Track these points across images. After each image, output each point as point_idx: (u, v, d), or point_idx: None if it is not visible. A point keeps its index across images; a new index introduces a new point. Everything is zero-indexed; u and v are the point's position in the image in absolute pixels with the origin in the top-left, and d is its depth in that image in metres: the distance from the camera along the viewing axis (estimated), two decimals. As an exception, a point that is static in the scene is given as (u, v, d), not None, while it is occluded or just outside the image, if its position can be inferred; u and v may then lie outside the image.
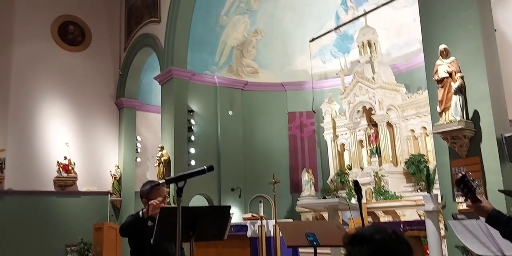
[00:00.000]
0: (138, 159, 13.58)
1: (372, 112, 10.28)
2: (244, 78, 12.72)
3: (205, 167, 2.74)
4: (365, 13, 9.59)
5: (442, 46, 5.78)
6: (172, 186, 8.40)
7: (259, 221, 8.04)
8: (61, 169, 12.11)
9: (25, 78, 12.22)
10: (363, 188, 9.65)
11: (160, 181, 2.98)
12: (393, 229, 1.23)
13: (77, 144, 12.63)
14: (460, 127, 5.45)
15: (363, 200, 9.16)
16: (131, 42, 13.51)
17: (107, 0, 14.14)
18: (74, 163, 12.30)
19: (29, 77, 12.28)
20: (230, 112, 12.27)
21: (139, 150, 13.69)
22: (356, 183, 3.20)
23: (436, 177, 6.79)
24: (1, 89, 11.79)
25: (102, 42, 13.83)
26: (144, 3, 13.07)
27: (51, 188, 12.07)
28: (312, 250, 3.68)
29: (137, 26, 13.28)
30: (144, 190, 3.34)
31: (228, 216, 3.13)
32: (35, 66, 12.41)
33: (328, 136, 11.58)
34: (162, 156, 11.04)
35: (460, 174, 3.53)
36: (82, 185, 12.57)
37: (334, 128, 11.43)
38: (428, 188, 6.84)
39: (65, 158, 12.17)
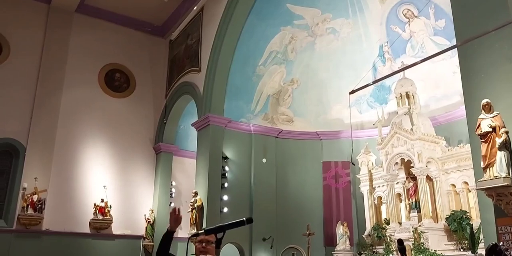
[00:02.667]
0: (172, 204, 13.62)
1: (411, 164, 10.02)
2: (279, 126, 12.83)
3: (245, 219, 2.72)
4: (404, 68, 9.64)
5: (484, 101, 5.70)
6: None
7: (291, 275, 7.75)
8: (97, 212, 12.29)
9: (71, 121, 12.80)
10: (402, 244, 9.21)
11: (200, 231, 2.97)
12: None
13: (114, 187, 12.87)
14: (506, 184, 5.23)
15: (402, 257, 8.71)
16: (172, 90, 14.04)
17: (152, 50, 14.93)
18: (111, 206, 12.47)
19: (75, 121, 12.86)
20: (264, 160, 12.26)
21: (173, 194, 13.78)
22: (400, 242, 3.06)
23: (481, 236, 6.45)
24: (49, 131, 12.35)
25: (145, 89, 14.46)
26: (186, 53, 13.71)
27: (87, 230, 12.21)
28: None
29: (178, 74, 13.86)
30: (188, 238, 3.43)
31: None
32: (81, 110, 13.03)
33: (364, 188, 11.29)
34: (196, 202, 11.03)
35: (491, 243, 3.32)
36: (116, 228, 12.65)
37: (371, 180, 11.16)
38: (473, 247, 6.48)
39: (102, 200, 12.38)
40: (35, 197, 11.39)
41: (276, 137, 12.68)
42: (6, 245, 11.00)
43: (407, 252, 9.05)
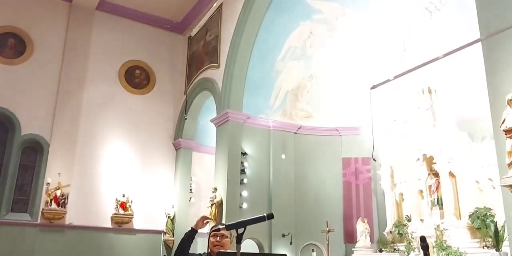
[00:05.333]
0: (192, 199, 13.73)
1: (433, 160, 9.85)
2: (298, 121, 12.77)
3: (265, 215, 2.71)
4: (426, 63, 9.47)
5: (510, 95, 5.54)
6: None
7: (311, 271, 7.73)
8: (118, 206, 12.48)
9: (93, 118, 13.01)
10: (423, 242, 9.09)
11: (220, 226, 2.98)
12: None
13: (135, 182, 13.05)
14: (532, 181, 5.08)
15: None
16: (191, 86, 14.11)
17: (171, 47, 15.03)
18: (131, 201, 12.65)
19: (97, 117, 13.07)
20: (283, 156, 12.24)
21: (193, 190, 13.88)
22: (423, 239, 3.00)
23: (506, 233, 6.31)
24: (72, 127, 12.58)
25: (164, 86, 14.58)
26: (205, 49, 13.75)
27: (109, 224, 12.42)
28: None
29: (197, 71, 13.91)
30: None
31: (282, 265, 3.06)
32: (102, 107, 13.23)
33: (385, 184, 11.14)
34: (215, 198, 11.09)
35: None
36: (137, 223, 12.84)
37: (392, 176, 11.01)
38: (497, 245, 6.34)
39: (123, 195, 12.56)
40: (58, 192, 11.64)
41: (295, 133, 12.63)
42: (31, 239, 11.28)
43: (429, 250, 8.94)
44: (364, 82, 11.83)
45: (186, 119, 13.70)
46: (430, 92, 10.57)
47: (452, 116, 10.36)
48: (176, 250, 3.39)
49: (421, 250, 9.03)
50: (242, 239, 2.61)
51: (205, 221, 3.34)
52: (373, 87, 8.69)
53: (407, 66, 11.36)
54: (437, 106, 10.15)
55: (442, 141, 9.59)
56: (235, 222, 2.72)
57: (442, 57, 7.89)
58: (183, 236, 3.42)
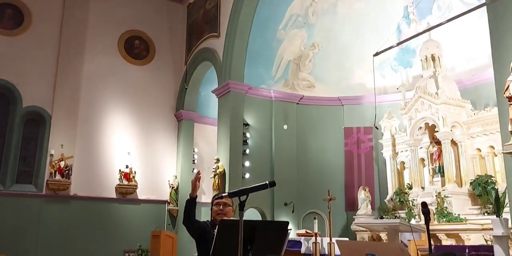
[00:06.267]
0: (195, 170, 13.82)
1: (435, 129, 9.85)
2: (300, 92, 12.69)
3: (267, 182, 2.72)
4: (430, 29, 9.27)
5: (514, 61, 5.46)
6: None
7: (313, 238, 7.87)
8: (122, 177, 12.61)
9: (94, 89, 12.94)
10: (424, 209, 9.22)
11: (223, 194, 3.00)
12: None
13: (138, 154, 13.12)
14: (534, 147, 5.08)
15: (423, 222, 8.74)
16: (192, 56, 13.94)
17: (170, 16, 14.73)
18: (135, 172, 12.77)
19: (97, 89, 12.99)
20: (285, 126, 12.24)
21: (195, 161, 13.98)
22: (424, 204, 3.03)
23: (506, 200, 6.38)
24: (73, 99, 12.53)
25: (164, 56, 14.40)
26: (204, 18, 13.47)
27: (113, 195, 12.59)
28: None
29: (197, 40, 13.69)
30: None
31: (286, 232, 3.09)
32: (103, 78, 13.13)
33: (387, 153, 11.21)
34: (218, 168, 11.18)
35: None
36: (141, 193, 13.01)
37: (394, 145, 11.05)
38: (498, 211, 6.41)
39: (127, 166, 12.66)
40: (62, 164, 11.74)
41: (297, 103, 12.58)
42: (37, 209, 11.48)
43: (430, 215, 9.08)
44: (366, 50, 11.65)
45: (186, 88, 13.60)
46: (433, 59, 10.45)
47: (455, 83, 10.28)
48: (183, 220, 3.43)
49: (422, 216, 9.20)
50: (244, 207, 2.63)
51: (198, 179, 3.34)
52: (376, 54, 8.56)
53: (410, 32, 11.17)
54: (440, 73, 10.05)
55: (444, 109, 9.55)
56: (237, 190, 2.73)
57: (446, 23, 7.71)
58: (184, 206, 3.45)
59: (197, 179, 3.35)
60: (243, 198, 2.67)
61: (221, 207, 3.47)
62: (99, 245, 11.81)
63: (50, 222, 11.48)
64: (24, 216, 11.27)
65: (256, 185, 2.69)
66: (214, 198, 3.45)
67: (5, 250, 9.74)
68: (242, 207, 2.63)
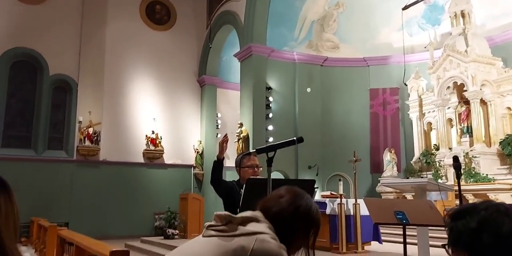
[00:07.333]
0: (219, 135, 13.98)
1: (464, 88, 9.57)
2: (324, 53, 12.42)
3: (295, 138, 2.70)
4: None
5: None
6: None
7: (338, 199, 7.93)
8: (149, 143, 12.87)
9: (117, 56, 13.01)
10: (451, 170, 9.12)
11: (251, 151, 3.00)
12: (499, 202, 1.11)
13: (163, 119, 13.31)
14: None
15: (451, 182, 8.67)
16: (213, 20, 13.72)
17: (190, -21, 14.41)
18: (161, 137, 12.99)
19: (121, 56, 13.05)
20: (309, 89, 12.10)
21: (219, 126, 14.09)
22: (456, 158, 2.98)
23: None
24: (97, 66, 12.65)
25: (186, 21, 14.25)
26: (225, -20, 13.13)
27: (141, 160, 12.90)
28: (392, 230, 3.50)
29: (218, 4, 13.43)
30: (237, 159, 3.44)
31: (312, 190, 3.10)
32: (125, 44, 13.15)
33: (413, 114, 11.02)
34: (241, 133, 11.24)
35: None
36: (168, 158, 13.28)
37: (421, 105, 10.83)
38: (528, 170, 6.31)
39: (153, 132, 12.88)
40: (90, 130, 12.02)
41: (321, 65, 12.36)
42: (69, 174, 11.89)
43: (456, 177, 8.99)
44: (393, 8, 11.23)
45: (210, 47, 13.42)
46: (463, 16, 10.01)
47: (485, 41, 9.87)
48: (210, 180, 3.46)
49: (449, 177, 9.11)
50: (272, 163, 2.63)
51: (225, 141, 3.32)
52: (405, 8, 8.21)
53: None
54: (470, 30, 9.64)
55: (474, 67, 9.23)
56: (265, 146, 2.72)
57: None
58: (212, 167, 3.46)
59: (224, 142, 3.34)
60: (271, 154, 2.65)
61: (255, 169, 3.45)
62: (130, 208, 12.24)
63: (82, 186, 11.91)
64: (57, 181, 11.71)
65: (284, 141, 2.67)
66: (240, 157, 3.42)
67: (41, 214, 10.17)
68: (270, 163, 2.62)
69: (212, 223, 1.34)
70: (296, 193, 1.43)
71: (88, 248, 3.83)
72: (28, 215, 10.06)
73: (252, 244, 1.22)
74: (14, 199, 0.80)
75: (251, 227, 1.28)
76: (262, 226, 1.29)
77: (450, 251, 1.05)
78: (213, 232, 1.31)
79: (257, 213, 1.34)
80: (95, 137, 12.06)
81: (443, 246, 1.09)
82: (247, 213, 1.34)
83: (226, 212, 1.34)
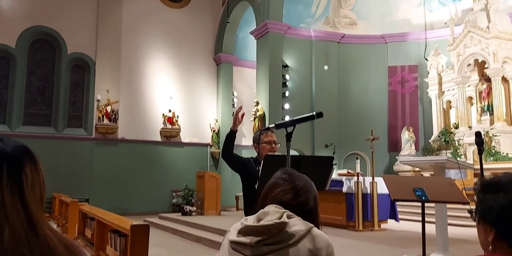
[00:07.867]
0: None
1: (485, 65, 9.33)
2: (341, 30, 12.19)
3: (315, 113, 2.66)
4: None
5: None
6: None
7: (355, 178, 7.92)
8: (166, 121, 12.96)
9: (134, 34, 13.01)
10: (471, 149, 9.01)
11: (270, 126, 2.99)
12: None
13: (180, 98, 13.36)
14: None
15: (470, 161, 8.57)
16: (229, -3, 13.54)
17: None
18: (178, 116, 13.07)
19: (137, 34, 13.04)
20: (326, 67, 11.96)
21: (235, 104, 14.08)
22: (478, 134, 2.93)
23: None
24: (114, 45, 12.68)
25: (201, -1, 14.09)
26: (241, -45, 12.86)
27: (158, 138, 13.05)
28: (409, 209, 3.46)
29: (234, -20, 13.21)
30: (255, 135, 3.41)
31: (331, 167, 3.07)
32: (142, 22, 13.12)
33: (432, 92, 10.82)
34: (258, 111, 11.23)
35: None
36: (185, 137, 13.40)
37: (440, 83, 10.63)
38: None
39: (170, 111, 12.95)
40: (108, 108, 12.16)
41: (338, 42, 12.16)
42: (88, 151, 12.12)
43: (476, 155, 8.88)
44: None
45: (228, 22, 13.27)
46: (487, -10, 9.65)
47: (508, 16, 9.54)
48: (222, 153, 3.45)
49: (468, 155, 8.99)
50: (291, 138, 2.61)
51: (238, 114, 3.30)
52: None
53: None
54: (492, 6, 9.32)
55: (495, 43, 8.96)
56: (284, 121, 2.70)
57: None
58: (224, 139, 3.46)
59: (237, 113, 3.32)
60: (290, 129, 2.63)
61: (273, 145, 3.43)
62: (148, 185, 12.47)
63: (101, 164, 12.13)
64: (77, 158, 11.94)
65: (303, 116, 2.64)
66: (259, 133, 3.40)
67: (62, 190, 10.43)
68: (289, 138, 2.60)
69: (260, 237, 1.23)
70: (299, 180, 1.46)
71: (110, 222, 3.92)
72: (50, 191, 10.33)
73: (315, 241, 1.24)
74: (40, 168, 0.80)
75: (297, 227, 1.26)
76: (298, 221, 1.28)
77: (476, 220, 1.03)
78: (265, 249, 1.22)
79: (278, 209, 1.30)
80: (113, 116, 12.20)
81: (469, 212, 1.07)
82: (276, 215, 1.27)
83: (274, 221, 1.23)
